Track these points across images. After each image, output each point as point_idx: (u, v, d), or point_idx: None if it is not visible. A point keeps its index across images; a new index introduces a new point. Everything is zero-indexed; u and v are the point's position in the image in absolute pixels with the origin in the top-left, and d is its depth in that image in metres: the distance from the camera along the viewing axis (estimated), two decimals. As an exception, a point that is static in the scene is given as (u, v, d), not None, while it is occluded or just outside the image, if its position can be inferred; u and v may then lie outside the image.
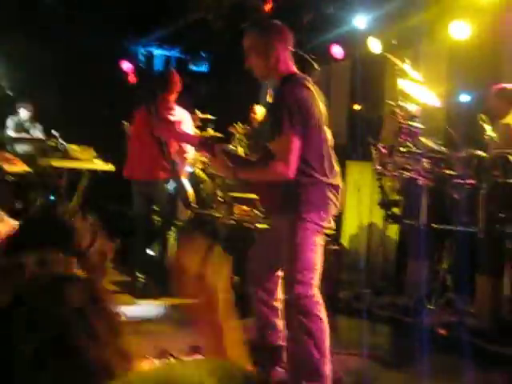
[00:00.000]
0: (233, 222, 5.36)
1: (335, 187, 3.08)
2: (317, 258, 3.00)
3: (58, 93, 9.13)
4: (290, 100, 2.94)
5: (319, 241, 3.04)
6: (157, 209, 5.19)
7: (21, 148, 7.35)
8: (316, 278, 3.00)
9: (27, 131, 8.04)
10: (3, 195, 5.56)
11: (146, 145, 4.91)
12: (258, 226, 5.00)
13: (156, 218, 5.18)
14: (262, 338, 3.28)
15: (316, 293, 2.99)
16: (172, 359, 3.22)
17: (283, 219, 3.06)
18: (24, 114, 8.15)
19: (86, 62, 8.65)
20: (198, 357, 3.34)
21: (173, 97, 5.04)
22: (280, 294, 3.23)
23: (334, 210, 3.09)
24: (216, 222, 5.54)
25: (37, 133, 8.07)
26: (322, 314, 2.98)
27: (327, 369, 2.93)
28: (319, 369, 2.91)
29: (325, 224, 3.05)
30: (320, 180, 3.02)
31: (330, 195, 3.05)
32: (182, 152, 5.05)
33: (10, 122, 8.08)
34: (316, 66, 3.54)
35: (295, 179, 2.96)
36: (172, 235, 5.10)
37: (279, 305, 3.23)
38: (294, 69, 3.15)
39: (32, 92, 8.73)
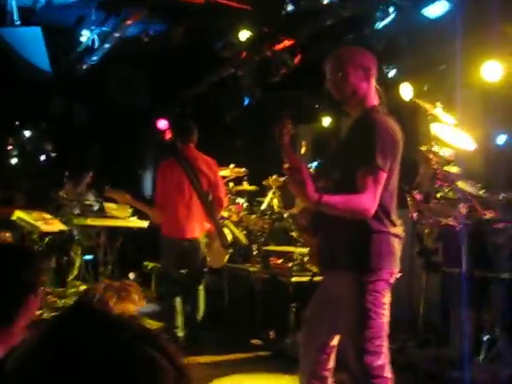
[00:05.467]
0: (268, 275, 5.28)
1: (401, 239, 2.76)
2: (386, 322, 2.65)
3: (97, 152, 9.39)
4: (384, 131, 2.63)
5: (387, 301, 2.68)
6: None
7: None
8: (385, 345, 2.66)
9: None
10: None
11: (185, 198, 4.93)
12: (293, 279, 4.91)
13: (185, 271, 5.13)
14: None
15: (386, 362, 2.66)
16: None
17: (348, 275, 2.67)
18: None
19: (123, 121, 8.91)
20: None
21: (193, 146, 5.12)
22: (332, 362, 2.91)
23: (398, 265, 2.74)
24: (251, 276, 5.46)
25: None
26: None
27: None
28: None
29: (393, 281, 2.70)
30: (390, 229, 2.68)
31: (398, 248, 2.72)
32: (219, 200, 5.08)
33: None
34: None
35: (367, 224, 2.63)
36: (202, 290, 5.04)
37: (329, 373, 2.91)
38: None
39: (74, 152, 9.00)
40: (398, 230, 2.77)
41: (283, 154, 2.70)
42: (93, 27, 7.16)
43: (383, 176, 2.61)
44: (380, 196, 2.62)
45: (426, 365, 4.45)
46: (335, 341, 2.91)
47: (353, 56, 2.86)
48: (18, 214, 5.63)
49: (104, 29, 7.14)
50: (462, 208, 4.51)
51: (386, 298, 2.69)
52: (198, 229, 4.98)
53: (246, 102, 7.72)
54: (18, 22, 6.60)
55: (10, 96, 8.01)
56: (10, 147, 10.63)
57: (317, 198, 2.52)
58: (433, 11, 5.26)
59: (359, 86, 2.79)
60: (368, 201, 2.57)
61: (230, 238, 5.12)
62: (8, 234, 5.45)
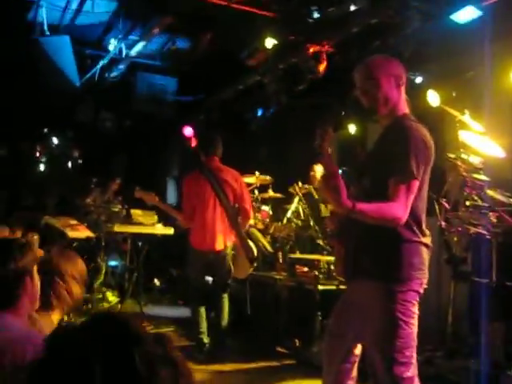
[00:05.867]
0: (294, 283, 5.25)
1: (429, 248, 2.73)
2: (416, 332, 2.63)
3: (124, 159, 9.49)
4: (418, 139, 2.61)
5: (417, 310, 2.65)
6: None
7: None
8: (415, 355, 2.63)
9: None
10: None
11: (210, 211, 4.95)
12: (320, 287, 4.88)
13: (210, 279, 5.16)
14: None
15: (415, 373, 2.63)
16: None
17: (377, 285, 2.64)
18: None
19: (149, 129, 9.00)
20: None
21: (217, 159, 5.12)
22: (355, 371, 2.88)
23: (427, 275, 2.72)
24: (277, 284, 5.45)
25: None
26: None
27: None
28: None
29: (422, 291, 2.68)
30: (420, 238, 2.67)
31: (427, 257, 2.70)
32: (245, 211, 5.07)
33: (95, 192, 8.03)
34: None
35: (398, 233, 2.61)
36: (226, 297, 5.04)
37: (353, 383, 2.87)
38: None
39: (101, 160, 9.12)
40: (428, 239, 2.74)
41: (321, 160, 2.69)
42: (120, 36, 7.25)
43: (416, 184, 2.58)
44: (411, 205, 2.59)
45: (454, 376, 4.37)
46: (358, 350, 2.88)
47: (384, 64, 2.84)
48: (47, 220, 5.70)
49: (131, 37, 7.22)
50: (492, 216, 4.44)
51: (416, 308, 2.65)
52: (223, 241, 4.98)
53: (272, 110, 7.74)
54: (48, 33, 6.73)
55: (39, 104, 8.16)
56: (38, 154, 10.82)
57: (351, 205, 2.49)
58: (461, 17, 5.20)
59: (391, 94, 2.78)
60: (400, 209, 2.54)
61: (255, 251, 5.10)
62: (36, 237, 5.48)
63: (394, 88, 2.79)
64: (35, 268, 1.98)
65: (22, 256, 1.90)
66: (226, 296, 5.04)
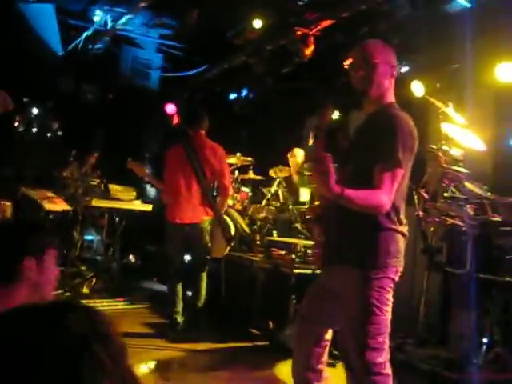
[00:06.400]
0: (270, 265, 5.27)
1: (405, 237, 2.76)
2: (389, 318, 2.66)
3: (104, 133, 9.37)
4: (405, 128, 2.62)
5: (391, 297, 2.68)
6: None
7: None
8: (387, 342, 2.66)
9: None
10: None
11: (186, 184, 4.96)
12: (295, 271, 4.90)
13: (188, 258, 5.17)
14: None
15: (387, 359, 2.66)
16: None
17: (353, 271, 2.66)
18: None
19: (131, 104, 8.89)
20: None
21: (203, 133, 5.11)
22: (326, 355, 2.92)
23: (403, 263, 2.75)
24: (253, 266, 5.46)
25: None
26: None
27: None
28: None
29: (397, 278, 2.71)
30: (398, 226, 2.69)
31: (403, 246, 2.73)
32: (224, 188, 5.08)
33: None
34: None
35: (377, 221, 2.64)
36: (204, 276, 5.05)
37: (323, 367, 2.92)
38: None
39: (81, 132, 8.97)
40: (404, 228, 2.77)
41: (315, 144, 2.68)
42: (106, 8, 7.12)
43: (401, 173, 2.60)
44: (396, 194, 2.61)
45: (424, 364, 4.44)
46: (329, 334, 2.92)
47: (384, 51, 2.85)
48: (24, 192, 5.63)
49: (117, 9, 7.10)
50: (469, 208, 4.48)
51: (390, 295, 2.68)
52: (198, 215, 4.99)
53: (255, 91, 7.68)
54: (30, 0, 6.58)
55: (20, 72, 7.98)
56: (16, 124, 10.60)
57: (339, 190, 2.49)
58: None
59: (383, 81, 2.79)
60: (384, 197, 2.56)
61: (233, 231, 5.11)
62: (8, 203, 5.33)
63: (387, 76, 2.81)
64: (53, 257, 1.82)
65: (33, 235, 1.81)
66: (204, 275, 5.05)
